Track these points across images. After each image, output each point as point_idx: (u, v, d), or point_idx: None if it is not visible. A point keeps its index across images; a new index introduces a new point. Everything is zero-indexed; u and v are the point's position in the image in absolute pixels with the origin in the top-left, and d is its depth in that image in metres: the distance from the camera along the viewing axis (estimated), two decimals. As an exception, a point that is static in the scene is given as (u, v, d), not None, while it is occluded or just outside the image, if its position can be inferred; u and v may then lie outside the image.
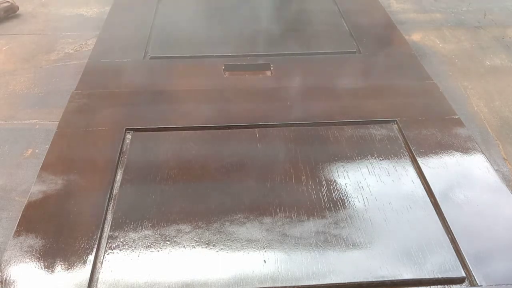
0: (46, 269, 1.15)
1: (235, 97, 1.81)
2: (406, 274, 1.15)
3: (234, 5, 2.60)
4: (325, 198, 1.36)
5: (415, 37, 2.92)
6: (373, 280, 1.14)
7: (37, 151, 1.97)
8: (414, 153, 1.52)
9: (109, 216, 1.29)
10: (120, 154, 1.50)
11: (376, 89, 1.87)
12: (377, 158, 1.50)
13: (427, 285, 1.14)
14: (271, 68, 1.98)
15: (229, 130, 1.62)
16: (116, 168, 1.45)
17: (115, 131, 1.60)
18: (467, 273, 1.16)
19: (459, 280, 1.15)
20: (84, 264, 1.16)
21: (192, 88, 1.86)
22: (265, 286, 1.12)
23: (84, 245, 1.20)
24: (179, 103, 1.78)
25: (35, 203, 1.33)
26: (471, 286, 1.13)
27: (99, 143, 1.56)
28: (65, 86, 2.28)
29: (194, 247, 1.21)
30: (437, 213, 1.32)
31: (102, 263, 1.17)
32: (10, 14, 3.09)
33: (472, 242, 1.23)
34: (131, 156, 1.50)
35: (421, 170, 1.45)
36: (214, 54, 2.09)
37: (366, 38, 2.23)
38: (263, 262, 1.17)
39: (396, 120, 1.67)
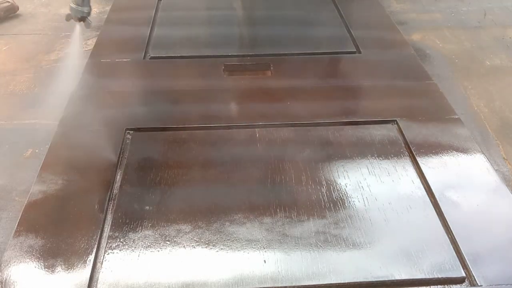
0: (46, 269, 1.15)
1: (235, 97, 1.81)
2: (406, 274, 1.15)
3: (234, 5, 2.60)
4: (325, 198, 1.35)
5: (415, 37, 2.92)
6: (373, 280, 1.14)
7: (37, 151, 1.97)
8: (414, 153, 1.51)
9: (109, 216, 1.29)
10: (120, 154, 1.50)
11: (376, 89, 1.86)
12: (377, 158, 1.50)
13: (427, 285, 1.14)
14: (271, 68, 1.98)
15: (229, 130, 1.62)
16: (116, 168, 1.45)
17: (115, 131, 1.60)
18: (467, 273, 1.16)
19: (459, 280, 1.15)
20: (84, 264, 1.16)
21: (192, 88, 1.86)
22: (265, 286, 1.12)
23: (84, 245, 1.20)
24: (179, 103, 1.78)
25: (35, 203, 1.33)
26: (471, 286, 1.13)
27: (99, 143, 1.56)
28: (65, 86, 2.28)
29: (194, 247, 1.21)
30: (437, 213, 1.31)
31: (102, 263, 1.17)
32: (10, 14, 3.09)
33: (472, 242, 1.23)
34: (131, 156, 1.50)
35: (421, 170, 1.45)
36: (214, 54, 2.09)
37: (366, 38, 2.23)
38: (263, 262, 1.17)
39: (396, 120, 1.66)
